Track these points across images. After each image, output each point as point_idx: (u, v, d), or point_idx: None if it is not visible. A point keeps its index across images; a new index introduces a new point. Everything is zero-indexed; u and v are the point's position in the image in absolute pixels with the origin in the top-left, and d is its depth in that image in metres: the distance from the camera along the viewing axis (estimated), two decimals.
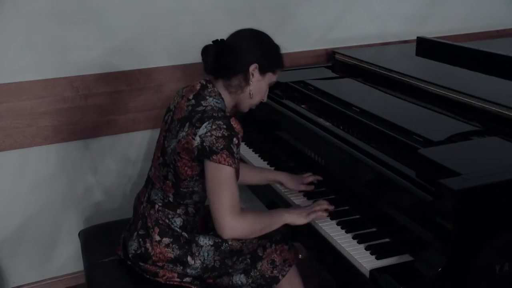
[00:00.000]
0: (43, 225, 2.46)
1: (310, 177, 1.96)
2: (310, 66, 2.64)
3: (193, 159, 1.61)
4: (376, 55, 2.63)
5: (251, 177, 2.00)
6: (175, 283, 1.73)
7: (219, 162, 1.54)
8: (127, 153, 2.52)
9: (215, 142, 1.54)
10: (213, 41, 1.68)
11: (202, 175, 1.63)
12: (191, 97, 1.69)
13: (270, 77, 1.74)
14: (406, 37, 2.91)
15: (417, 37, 2.61)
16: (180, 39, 2.44)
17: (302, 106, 2.19)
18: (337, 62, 2.65)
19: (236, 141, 1.58)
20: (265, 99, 1.80)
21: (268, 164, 2.17)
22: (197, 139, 1.57)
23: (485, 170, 1.40)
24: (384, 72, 2.32)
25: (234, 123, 1.59)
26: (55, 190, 2.44)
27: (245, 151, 2.31)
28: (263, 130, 2.39)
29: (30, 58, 2.24)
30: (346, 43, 2.81)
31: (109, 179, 2.53)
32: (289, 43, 2.67)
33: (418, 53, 2.55)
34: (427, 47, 2.52)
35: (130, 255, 1.76)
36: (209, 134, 1.55)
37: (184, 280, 1.73)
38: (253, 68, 1.68)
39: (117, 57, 2.37)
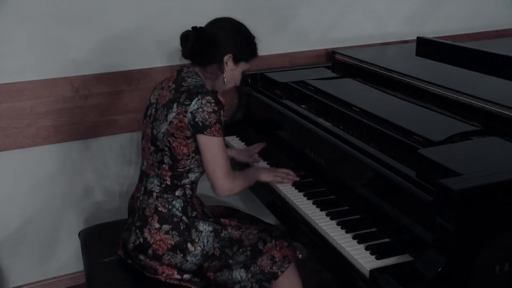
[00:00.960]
0: (43, 225, 2.46)
1: (257, 148, 2.19)
2: (310, 66, 2.64)
3: (187, 137, 1.72)
4: (376, 55, 2.63)
5: None
6: (175, 282, 1.74)
7: (213, 135, 1.70)
8: (127, 153, 2.52)
9: (207, 117, 1.68)
10: (192, 27, 1.79)
11: (197, 151, 1.75)
12: (171, 84, 1.81)
13: (244, 66, 1.87)
14: (406, 37, 2.91)
15: (417, 37, 2.60)
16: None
17: (302, 106, 2.19)
18: (337, 62, 2.65)
19: (223, 113, 1.74)
20: (238, 84, 1.94)
21: (268, 164, 2.17)
22: (189, 115, 1.69)
23: (485, 170, 1.40)
24: (384, 72, 2.32)
25: (221, 97, 1.73)
26: (55, 190, 2.44)
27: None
28: (263, 130, 2.39)
29: (30, 58, 2.24)
30: (346, 43, 2.81)
31: (109, 179, 2.53)
32: (289, 43, 2.68)
33: (418, 53, 2.55)
34: (427, 47, 2.52)
35: (130, 249, 1.77)
36: (200, 110, 1.68)
37: (184, 277, 1.74)
38: (227, 58, 1.81)
39: (117, 57, 2.37)
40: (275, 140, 2.28)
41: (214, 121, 1.69)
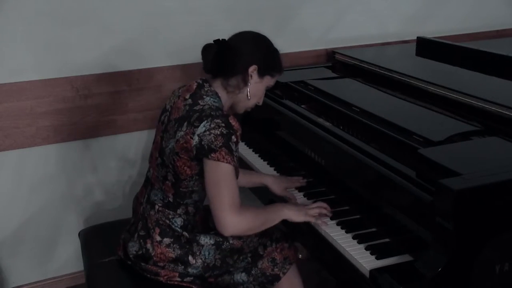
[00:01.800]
0: (43, 225, 2.46)
1: (296, 182, 1.96)
2: (310, 66, 2.64)
3: (192, 158, 1.61)
4: (376, 55, 2.63)
5: (239, 179, 1.99)
6: (175, 282, 1.73)
7: (218, 160, 1.54)
8: (127, 153, 2.52)
9: (213, 140, 1.54)
10: (214, 41, 1.69)
11: (201, 174, 1.63)
12: (187, 96, 1.69)
13: (268, 81, 1.76)
14: (406, 37, 2.91)
15: (417, 37, 2.61)
16: (180, 39, 2.44)
17: (302, 106, 2.19)
18: (337, 62, 2.65)
19: (235, 139, 1.59)
20: (261, 103, 1.81)
21: (268, 164, 2.17)
22: (196, 138, 1.57)
23: (485, 170, 1.40)
24: (384, 72, 2.32)
25: (233, 121, 1.60)
26: (55, 190, 2.44)
27: (245, 151, 2.31)
28: (263, 130, 2.39)
29: (30, 58, 2.24)
30: (346, 43, 2.81)
31: (109, 179, 2.53)
32: (289, 43, 2.68)
33: (418, 53, 2.55)
34: (427, 47, 2.52)
35: (131, 256, 1.76)
36: (207, 132, 1.55)
37: (185, 280, 1.73)
38: (252, 69, 1.69)
39: (117, 57, 2.37)
40: (275, 140, 2.28)
41: (220, 144, 1.54)
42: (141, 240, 1.74)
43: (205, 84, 1.70)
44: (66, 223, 2.50)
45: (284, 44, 2.66)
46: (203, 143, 1.56)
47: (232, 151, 1.57)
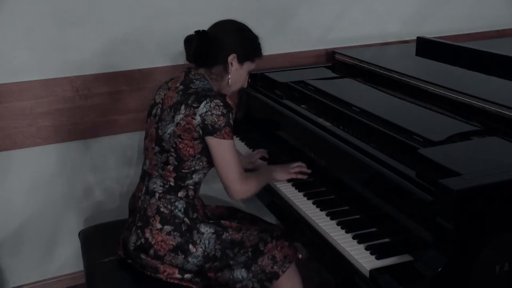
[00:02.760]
0: (43, 225, 2.46)
1: (258, 154, 2.19)
2: (310, 66, 2.64)
3: (195, 138, 1.71)
4: (376, 55, 2.63)
5: None
6: (175, 281, 1.74)
7: (223, 138, 1.69)
8: (127, 153, 2.52)
9: (216, 120, 1.68)
10: (195, 32, 1.79)
11: (203, 152, 1.74)
12: (178, 85, 1.80)
13: (249, 66, 1.87)
14: (406, 37, 2.91)
15: (417, 37, 2.61)
16: (180, 40, 2.41)
17: (302, 106, 2.19)
18: (337, 62, 2.65)
19: (232, 116, 1.74)
20: (245, 86, 1.93)
21: (268, 164, 2.17)
22: (198, 118, 1.69)
23: (485, 170, 1.40)
24: (384, 72, 2.32)
25: (229, 100, 1.73)
26: (55, 190, 2.44)
27: (245, 151, 2.31)
28: (263, 130, 2.39)
29: (30, 58, 2.24)
30: (346, 43, 2.81)
31: (109, 179, 2.53)
32: (289, 43, 2.68)
33: (418, 53, 2.55)
34: (427, 47, 2.52)
35: (131, 249, 1.77)
36: (209, 113, 1.68)
37: (185, 277, 1.74)
38: (232, 57, 1.80)
39: (117, 57, 2.37)
40: (275, 140, 2.28)
41: (224, 124, 1.68)
42: (139, 231, 1.77)
43: (191, 70, 1.82)
44: (66, 223, 2.50)
45: (284, 44, 2.70)
46: (206, 122, 1.68)
47: (232, 127, 1.72)
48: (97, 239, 2.03)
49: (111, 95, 2.40)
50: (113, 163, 2.52)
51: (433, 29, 2.90)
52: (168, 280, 1.74)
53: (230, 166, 1.72)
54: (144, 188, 1.83)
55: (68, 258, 2.55)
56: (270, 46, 2.60)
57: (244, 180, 1.75)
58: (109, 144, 2.48)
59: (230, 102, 1.72)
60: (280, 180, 1.96)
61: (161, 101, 1.82)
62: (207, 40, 1.78)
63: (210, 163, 1.77)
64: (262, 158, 2.21)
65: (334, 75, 2.46)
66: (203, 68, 1.82)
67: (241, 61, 1.83)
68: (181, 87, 1.78)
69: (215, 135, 1.69)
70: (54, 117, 2.32)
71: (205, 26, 1.85)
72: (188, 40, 1.79)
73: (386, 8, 2.87)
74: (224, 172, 1.73)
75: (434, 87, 2.05)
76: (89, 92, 2.35)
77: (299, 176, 1.96)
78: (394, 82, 2.24)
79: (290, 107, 2.17)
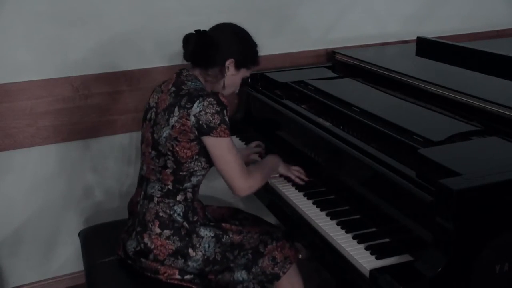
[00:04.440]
0: (43, 225, 2.46)
1: (255, 148, 2.18)
2: (310, 66, 2.64)
3: (191, 139, 1.70)
4: (376, 55, 2.63)
5: None
6: (175, 281, 1.73)
7: (220, 136, 1.68)
8: (127, 153, 2.52)
9: (211, 118, 1.66)
10: (195, 31, 1.78)
11: (201, 153, 1.73)
12: (170, 87, 1.79)
13: (244, 72, 1.87)
14: (406, 37, 2.91)
15: (417, 37, 2.60)
16: (180, 40, 2.42)
17: (302, 106, 2.19)
18: (337, 62, 2.65)
19: (227, 113, 1.72)
20: (237, 91, 1.93)
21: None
22: (192, 118, 1.67)
23: (485, 170, 1.40)
24: (384, 72, 2.32)
25: (222, 97, 1.71)
26: (55, 190, 2.44)
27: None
28: (263, 130, 2.39)
29: (30, 58, 2.24)
30: (346, 43, 2.81)
31: (109, 179, 2.53)
32: (289, 43, 2.68)
33: (418, 53, 2.55)
34: (427, 47, 2.52)
35: (130, 253, 1.77)
36: (203, 112, 1.66)
37: (185, 278, 1.73)
38: (229, 62, 1.80)
39: (117, 57, 2.37)
40: (275, 140, 2.28)
41: (219, 122, 1.67)
42: (138, 236, 1.76)
43: (183, 71, 1.81)
44: (66, 223, 2.50)
45: (284, 44, 2.70)
46: (201, 122, 1.66)
47: (228, 125, 1.71)
48: (97, 239, 2.03)
49: (111, 95, 2.40)
50: (113, 163, 2.52)
51: (433, 29, 2.90)
52: (168, 281, 1.74)
53: (231, 164, 1.70)
54: (142, 193, 1.82)
55: (68, 258, 2.55)
56: (270, 46, 2.62)
57: (248, 175, 1.73)
58: (109, 144, 2.48)
59: (223, 99, 1.70)
60: (281, 173, 1.98)
61: (155, 105, 1.81)
62: (206, 41, 1.77)
63: (209, 163, 1.76)
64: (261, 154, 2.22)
65: (334, 75, 2.46)
66: (199, 69, 1.81)
67: (238, 66, 1.82)
68: (173, 89, 1.76)
69: (211, 134, 1.67)
70: (54, 117, 2.32)
71: (205, 26, 1.85)
72: (187, 39, 1.78)
73: (386, 8, 2.87)
74: (225, 171, 1.72)
75: (434, 87, 2.05)
76: (89, 92, 2.35)
77: (296, 180, 1.96)
78: (394, 82, 2.24)
79: (290, 107, 2.17)
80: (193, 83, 1.77)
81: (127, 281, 1.79)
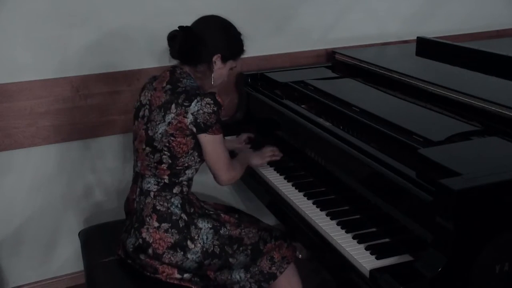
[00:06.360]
0: (43, 225, 2.46)
1: (245, 136, 2.31)
2: (310, 66, 2.64)
3: (187, 135, 1.74)
4: (376, 55, 2.63)
5: None
6: (175, 281, 1.74)
7: (215, 134, 1.76)
8: (127, 153, 2.52)
9: (208, 118, 1.73)
10: (179, 27, 1.80)
11: (195, 148, 1.78)
12: (164, 84, 1.80)
13: (231, 64, 1.90)
14: (406, 37, 2.91)
15: (417, 37, 2.60)
16: None
17: (302, 106, 2.19)
18: (337, 62, 2.65)
19: (221, 112, 1.79)
20: (226, 80, 1.95)
21: (268, 164, 2.17)
22: (189, 116, 1.72)
23: (485, 170, 1.40)
24: (384, 72, 2.32)
25: (219, 98, 1.77)
26: (55, 190, 2.44)
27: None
28: (263, 130, 2.39)
29: (30, 58, 2.24)
30: (346, 43, 2.81)
31: (109, 179, 2.53)
32: (289, 43, 2.68)
33: (418, 53, 2.55)
34: (427, 47, 2.52)
35: (129, 250, 1.77)
36: (201, 111, 1.72)
37: (184, 277, 1.74)
38: (216, 57, 1.83)
39: (117, 57, 2.37)
40: (275, 140, 2.28)
41: (214, 121, 1.74)
42: (137, 232, 1.77)
43: (176, 69, 1.84)
44: (66, 223, 2.50)
45: (284, 44, 2.70)
46: (198, 121, 1.72)
47: (221, 123, 1.79)
48: (97, 239, 2.03)
49: (111, 95, 2.40)
50: (113, 163, 2.51)
51: (433, 29, 2.90)
52: (168, 280, 1.74)
53: (221, 158, 1.80)
54: (138, 190, 1.83)
55: (68, 258, 2.54)
56: (270, 46, 2.62)
57: (231, 168, 1.85)
58: (109, 144, 2.48)
59: (219, 100, 1.76)
60: (255, 165, 2.08)
61: (148, 102, 1.82)
62: (191, 37, 1.79)
63: (201, 157, 1.81)
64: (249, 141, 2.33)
65: (334, 75, 2.47)
66: (188, 66, 1.83)
67: (224, 60, 1.85)
68: (168, 86, 1.79)
69: (207, 132, 1.74)
70: (54, 117, 2.32)
71: None
72: (172, 37, 1.80)
73: (386, 8, 2.87)
74: (214, 164, 1.81)
75: (434, 87, 2.05)
76: (88, 92, 2.35)
77: (273, 158, 2.10)
78: (394, 82, 2.24)
79: (290, 107, 2.17)
80: (188, 81, 1.80)
81: (127, 281, 1.80)
